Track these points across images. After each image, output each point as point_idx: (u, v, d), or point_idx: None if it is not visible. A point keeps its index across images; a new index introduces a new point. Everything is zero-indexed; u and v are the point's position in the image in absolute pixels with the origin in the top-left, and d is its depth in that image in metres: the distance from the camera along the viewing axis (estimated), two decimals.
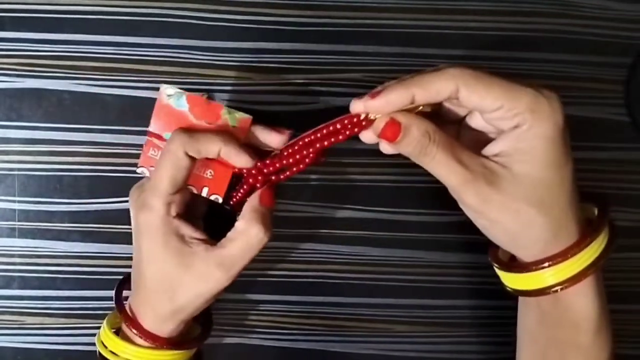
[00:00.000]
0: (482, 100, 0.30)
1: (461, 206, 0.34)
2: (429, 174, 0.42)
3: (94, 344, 0.39)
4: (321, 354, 0.45)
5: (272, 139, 0.37)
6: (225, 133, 0.36)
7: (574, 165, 0.32)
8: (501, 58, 0.44)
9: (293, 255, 0.44)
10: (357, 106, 0.32)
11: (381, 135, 0.32)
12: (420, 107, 0.33)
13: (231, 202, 0.38)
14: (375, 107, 0.32)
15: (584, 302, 0.32)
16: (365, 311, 0.45)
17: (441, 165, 0.31)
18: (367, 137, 0.34)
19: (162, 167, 0.35)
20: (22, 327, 0.44)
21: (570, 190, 0.32)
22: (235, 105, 0.43)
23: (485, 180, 0.31)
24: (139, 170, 0.38)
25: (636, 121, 0.44)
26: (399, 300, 0.45)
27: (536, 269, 0.32)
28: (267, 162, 0.36)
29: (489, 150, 0.32)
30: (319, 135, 0.34)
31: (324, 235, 0.44)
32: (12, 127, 0.42)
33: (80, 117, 0.42)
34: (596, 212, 0.34)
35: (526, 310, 0.37)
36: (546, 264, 0.32)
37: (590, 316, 0.33)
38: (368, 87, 0.43)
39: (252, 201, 0.36)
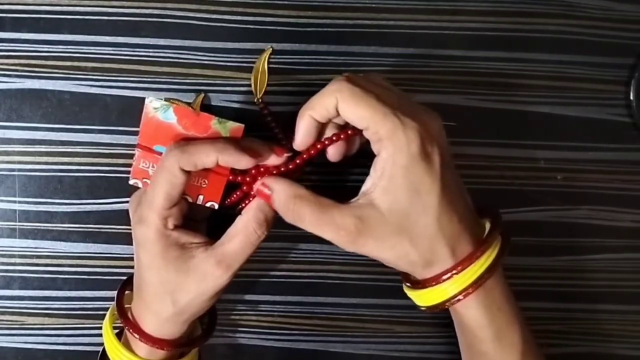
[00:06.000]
0: (352, 116, 0.32)
1: None
2: None
3: (94, 344, 0.39)
4: (322, 355, 0.45)
5: (270, 159, 0.36)
6: (219, 140, 0.36)
7: (444, 192, 0.33)
8: (501, 59, 0.44)
9: (294, 255, 0.44)
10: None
11: (258, 194, 0.36)
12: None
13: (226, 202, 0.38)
14: (299, 145, 0.35)
15: (472, 314, 0.34)
16: (366, 311, 0.45)
17: (313, 227, 0.34)
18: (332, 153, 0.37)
19: (157, 183, 0.35)
20: (23, 327, 0.44)
21: (437, 216, 0.33)
22: (235, 106, 0.43)
23: (357, 231, 0.33)
24: (131, 182, 0.38)
25: (637, 122, 0.44)
26: (399, 300, 0.45)
27: (436, 284, 0.34)
28: (262, 170, 0.36)
29: (366, 184, 0.34)
30: (312, 152, 0.36)
31: None
32: (12, 127, 0.42)
33: (81, 117, 0.42)
34: (488, 227, 0.36)
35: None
36: (447, 275, 0.34)
37: (483, 326, 0.35)
38: None
39: (259, 200, 0.36)
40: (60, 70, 0.42)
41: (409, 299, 0.45)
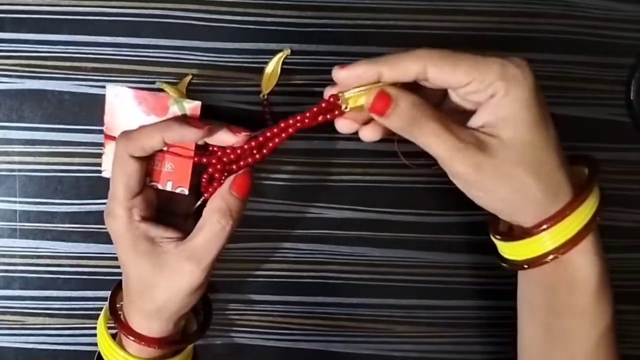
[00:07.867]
0: (451, 77, 0.31)
1: (452, 178, 0.33)
2: (430, 175, 0.42)
3: (95, 344, 0.39)
4: (322, 355, 0.45)
5: (225, 137, 0.35)
6: (164, 120, 0.35)
7: (556, 130, 0.32)
8: None
9: (294, 255, 0.44)
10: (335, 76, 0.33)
11: (371, 108, 0.32)
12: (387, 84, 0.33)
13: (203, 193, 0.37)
14: (341, 77, 0.33)
15: (583, 262, 0.32)
16: (366, 311, 0.45)
17: (431, 136, 0.32)
18: (342, 125, 0.35)
19: (114, 175, 0.35)
20: (24, 327, 0.44)
21: (557, 151, 0.32)
22: (235, 106, 0.43)
23: (476, 147, 0.31)
24: (104, 174, 0.38)
25: (637, 122, 0.44)
26: (400, 300, 0.45)
27: (536, 232, 0.32)
28: (229, 151, 0.35)
29: (472, 124, 0.33)
30: (290, 121, 0.34)
31: (325, 235, 0.44)
32: (12, 128, 0.42)
33: (81, 117, 0.42)
34: (586, 172, 0.35)
35: (526, 280, 0.36)
36: (545, 226, 0.32)
37: (590, 277, 0.32)
38: None
39: (221, 189, 0.35)
40: (61, 71, 0.42)
41: (409, 298, 0.45)
